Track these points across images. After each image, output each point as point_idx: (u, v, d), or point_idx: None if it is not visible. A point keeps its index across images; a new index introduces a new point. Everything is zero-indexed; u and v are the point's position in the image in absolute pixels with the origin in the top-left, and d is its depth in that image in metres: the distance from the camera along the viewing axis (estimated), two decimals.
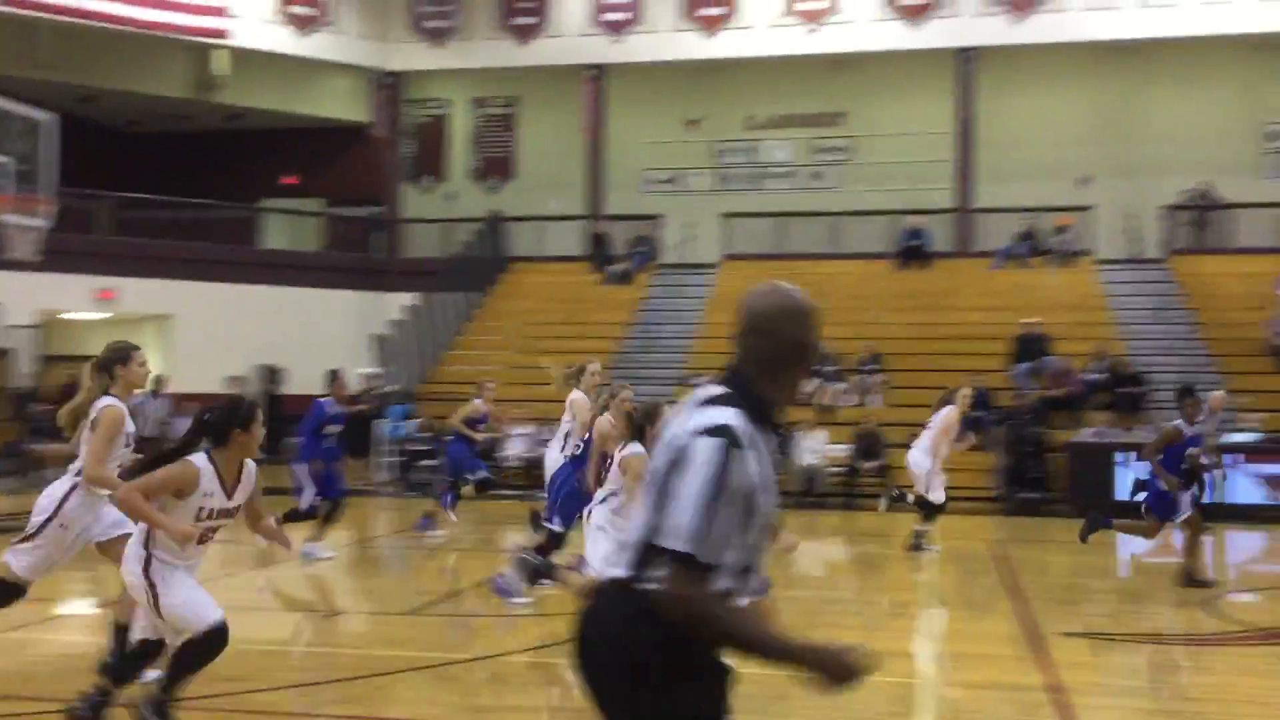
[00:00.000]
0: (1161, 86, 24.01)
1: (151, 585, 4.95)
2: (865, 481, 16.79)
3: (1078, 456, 16.48)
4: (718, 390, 2.71)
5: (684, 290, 23.04)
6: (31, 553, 5.79)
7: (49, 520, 5.77)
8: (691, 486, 2.50)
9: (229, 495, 5.08)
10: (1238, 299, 20.17)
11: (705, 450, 2.53)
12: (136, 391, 6.34)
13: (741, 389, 2.69)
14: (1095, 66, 24.31)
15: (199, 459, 5.05)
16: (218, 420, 5.07)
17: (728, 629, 2.52)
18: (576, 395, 9.52)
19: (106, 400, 5.83)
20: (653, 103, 25.77)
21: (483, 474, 12.88)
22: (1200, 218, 22.51)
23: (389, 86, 25.80)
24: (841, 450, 17.18)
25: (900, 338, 19.97)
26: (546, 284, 23.54)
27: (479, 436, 12.90)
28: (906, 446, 12.59)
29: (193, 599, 5.00)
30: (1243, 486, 15.62)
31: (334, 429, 11.27)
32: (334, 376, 11.62)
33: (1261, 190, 22.70)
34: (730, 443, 2.54)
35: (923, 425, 12.18)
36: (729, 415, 2.61)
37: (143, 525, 5.04)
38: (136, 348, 6.05)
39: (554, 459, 9.59)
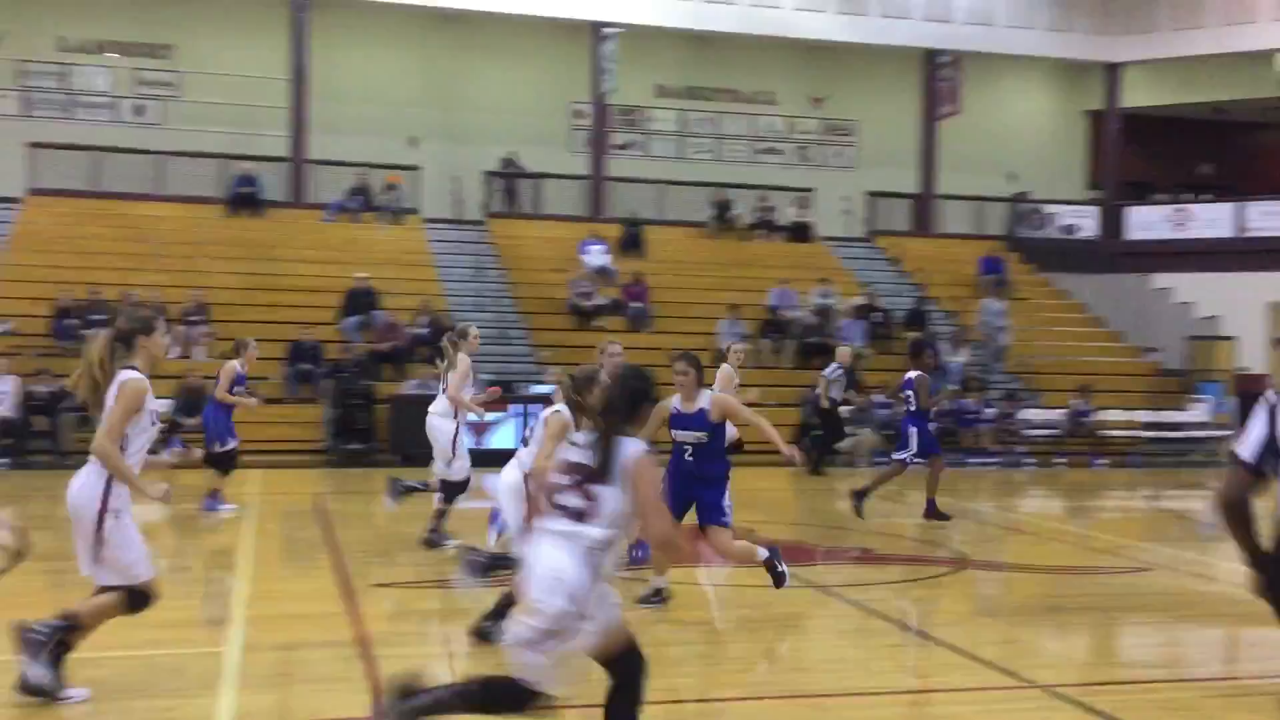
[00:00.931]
0: (484, 58, 25.63)
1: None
2: (188, 437, 16.13)
3: (401, 408, 17.21)
4: None
5: None
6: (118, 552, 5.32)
7: (102, 518, 5.27)
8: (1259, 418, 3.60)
9: None
10: (545, 261, 22.24)
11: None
12: None
13: None
14: (425, 31, 25.34)
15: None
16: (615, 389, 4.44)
17: (1236, 523, 3.57)
18: (460, 357, 9.71)
19: (128, 373, 5.35)
20: None
21: (234, 444, 11.84)
22: (512, 184, 24.45)
23: None
24: (162, 405, 16.30)
25: (229, 288, 19.41)
26: None
27: (242, 401, 11.81)
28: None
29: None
30: None
31: None
32: None
33: (567, 162, 25.18)
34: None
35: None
36: None
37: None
38: (159, 316, 5.69)
39: (439, 423, 9.87)
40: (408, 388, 17.70)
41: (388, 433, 17.33)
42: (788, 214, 25.20)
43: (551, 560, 4.10)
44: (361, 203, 22.70)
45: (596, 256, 21.96)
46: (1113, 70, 26.45)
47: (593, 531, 4.12)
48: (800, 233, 24.90)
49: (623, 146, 26.22)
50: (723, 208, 24.77)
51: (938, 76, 25.61)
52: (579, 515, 4.15)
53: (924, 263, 24.60)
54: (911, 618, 7.57)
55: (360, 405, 17.49)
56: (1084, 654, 7.32)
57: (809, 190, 25.87)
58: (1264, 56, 25.75)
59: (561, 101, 25.87)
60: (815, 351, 20.48)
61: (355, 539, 10.52)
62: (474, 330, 10.10)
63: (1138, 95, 26.96)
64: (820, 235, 25.13)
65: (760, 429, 7.62)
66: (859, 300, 21.93)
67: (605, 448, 4.20)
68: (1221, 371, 23.02)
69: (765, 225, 24.88)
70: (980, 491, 11.84)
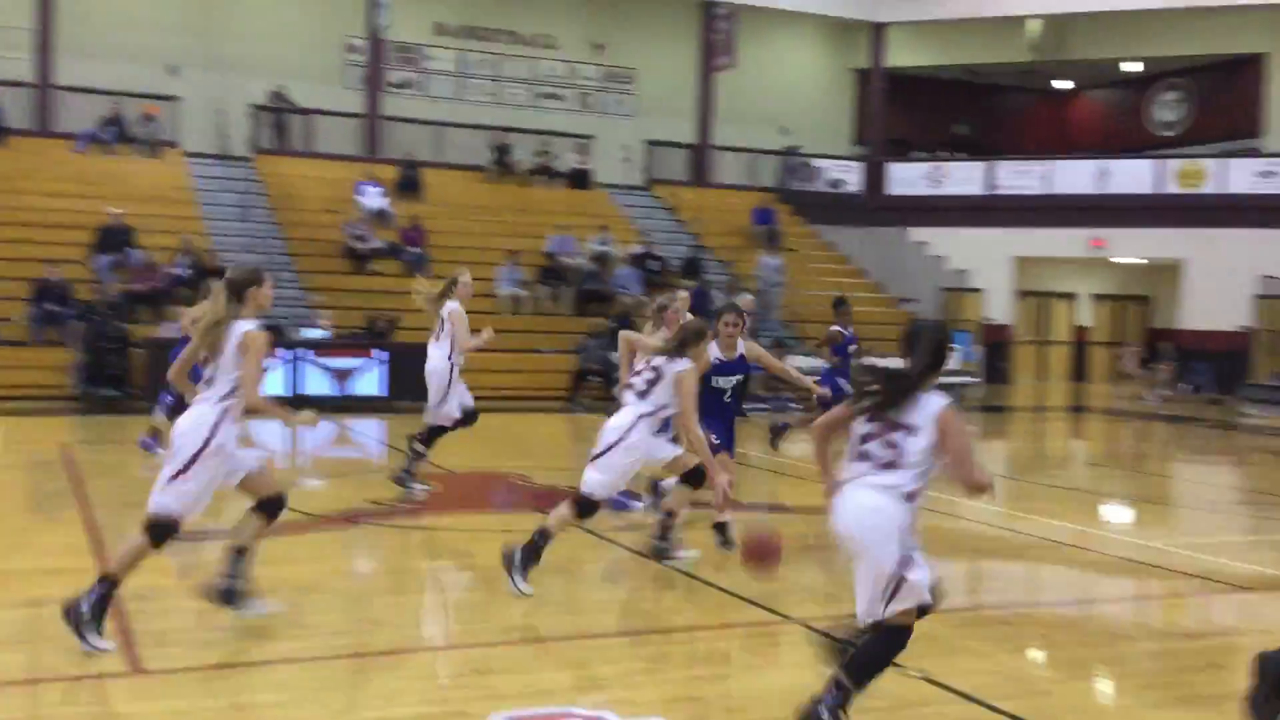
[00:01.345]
0: None
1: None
2: None
3: (159, 351, 16.34)
4: None
5: None
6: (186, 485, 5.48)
7: (202, 450, 5.46)
8: None
9: None
10: (317, 201, 21.53)
11: None
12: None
13: None
14: None
15: None
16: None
17: None
18: (453, 306, 9.51)
19: (245, 324, 5.59)
20: None
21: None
22: (281, 120, 23.49)
23: None
24: None
25: None
26: None
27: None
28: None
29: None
30: (314, 379, 16.86)
31: None
32: None
33: (341, 99, 24.36)
34: None
35: None
36: None
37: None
38: (267, 270, 5.94)
39: (438, 365, 9.59)
40: (166, 331, 16.86)
41: (144, 378, 16.48)
42: (567, 160, 25.18)
43: (871, 503, 4.45)
44: (115, 133, 21.38)
45: (372, 198, 21.41)
46: (878, 30, 27.51)
47: (901, 479, 4.45)
48: (579, 179, 24.95)
49: (400, 85, 25.56)
50: (502, 152, 24.53)
51: (713, 28, 26.01)
52: (888, 465, 4.44)
53: (699, 212, 25.10)
54: (679, 560, 7.80)
55: (113, 349, 16.55)
56: (839, 589, 7.71)
57: (589, 137, 25.91)
58: (1015, 22, 27.32)
59: (334, 35, 24.98)
60: (593, 298, 20.63)
61: (107, 490, 10.00)
62: (465, 276, 9.72)
63: (901, 55, 28.16)
64: (599, 182, 25.24)
65: (786, 373, 8.87)
66: (636, 248, 22.19)
67: (911, 400, 4.42)
68: (970, 322, 24.52)
69: (545, 171, 24.80)
70: (747, 437, 12.32)
